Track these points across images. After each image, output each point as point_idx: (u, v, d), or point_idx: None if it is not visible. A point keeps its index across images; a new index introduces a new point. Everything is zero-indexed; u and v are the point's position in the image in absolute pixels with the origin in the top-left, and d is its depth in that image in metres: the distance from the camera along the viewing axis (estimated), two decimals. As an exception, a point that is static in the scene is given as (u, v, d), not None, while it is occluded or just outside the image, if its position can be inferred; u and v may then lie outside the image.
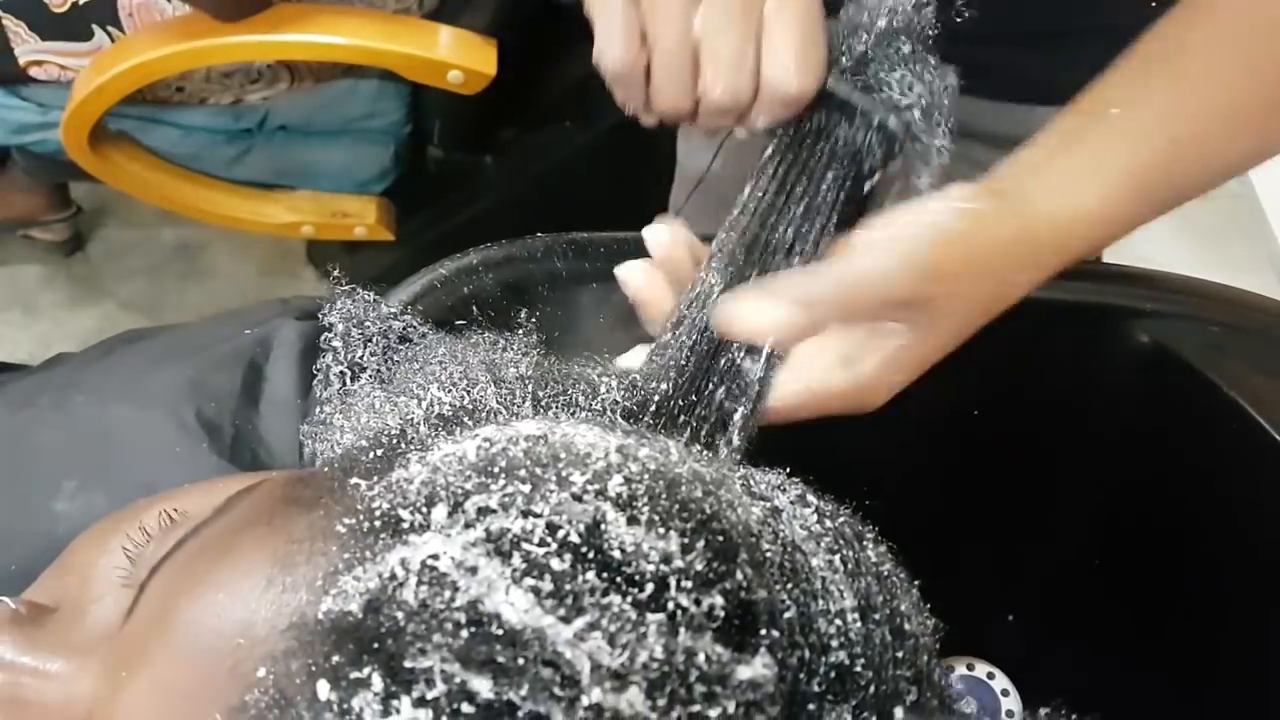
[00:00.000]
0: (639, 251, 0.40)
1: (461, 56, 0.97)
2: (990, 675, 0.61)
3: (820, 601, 0.24)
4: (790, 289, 0.35)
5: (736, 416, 0.34)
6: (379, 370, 0.38)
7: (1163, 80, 0.39)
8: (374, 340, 0.39)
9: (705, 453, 0.30)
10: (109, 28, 1.08)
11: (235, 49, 1.00)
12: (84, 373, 0.48)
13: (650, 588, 0.21)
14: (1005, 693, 0.60)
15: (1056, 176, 0.39)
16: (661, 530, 0.22)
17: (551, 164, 1.23)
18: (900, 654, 0.25)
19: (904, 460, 0.52)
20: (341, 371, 0.39)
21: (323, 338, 0.40)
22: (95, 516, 0.33)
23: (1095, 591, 0.55)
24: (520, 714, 0.19)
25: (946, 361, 0.38)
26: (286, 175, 1.19)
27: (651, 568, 0.21)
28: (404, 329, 0.40)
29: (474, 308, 0.42)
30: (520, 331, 0.37)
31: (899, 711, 0.24)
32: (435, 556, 0.21)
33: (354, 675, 0.20)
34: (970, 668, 0.61)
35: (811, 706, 0.23)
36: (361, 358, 0.39)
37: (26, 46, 1.10)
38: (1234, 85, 0.39)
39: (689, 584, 0.21)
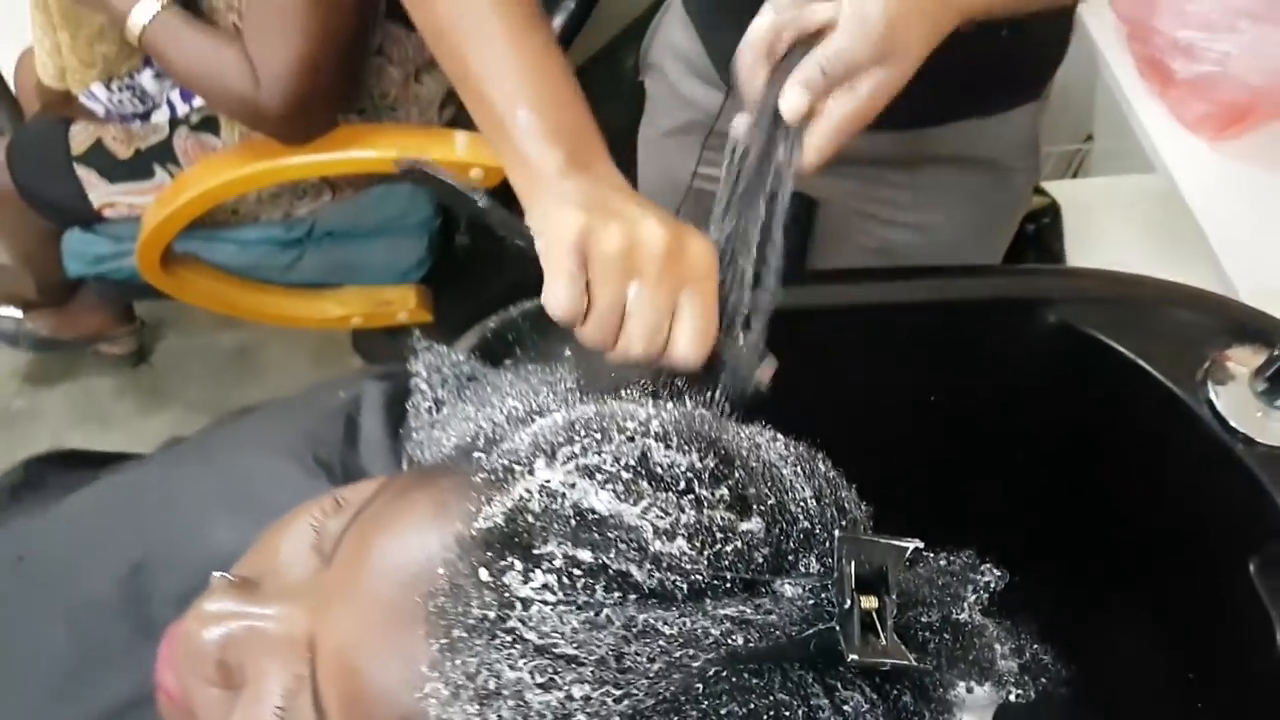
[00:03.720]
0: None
1: (479, 156, 1.12)
2: (982, 625, 0.71)
3: (789, 494, 0.35)
4: (797, 77, 0.51)
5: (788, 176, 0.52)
6: (455, 404, 0.51)
7: None
8: (449, 381, 0.51)
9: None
10: (168, 166, 1.25)
11: (284, 171, 1.15)
12: (213, 437, 0.60)
13: (683, 483, 0.33)
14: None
15: None
16: (687, 450, 0.34)
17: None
18: (844, 524, 0.36)
19: (868, 436, 0.63)
20: (428, 406, 0.51)
21: (411, 381, 0.53)
22: (246, 541, 0.43)
23: (1054, 537, 0.65)
24: (610, 570, 0.31)
25: (902, 352, 0.51)
26: (335, 274, 1.33)
27: (682, 472, 0.33)
28: (470, 370, 0.52)
29: (517, 350, 0.54)
30: (563, 358, 0.50)
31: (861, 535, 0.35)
32: (548, 481, 0.33)
33: (502, 563, 0.32)
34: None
35: (790, 556, 0.34)
36: (440, 395, 0.51)
37: (99, 191, 1.26)
38: None
39: (706, 480, 0.33)
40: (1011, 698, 0.36)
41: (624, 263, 0.49)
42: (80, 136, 1.25)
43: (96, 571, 0.50)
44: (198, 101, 1.22)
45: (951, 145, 0.78)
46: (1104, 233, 1.09)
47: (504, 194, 0.57)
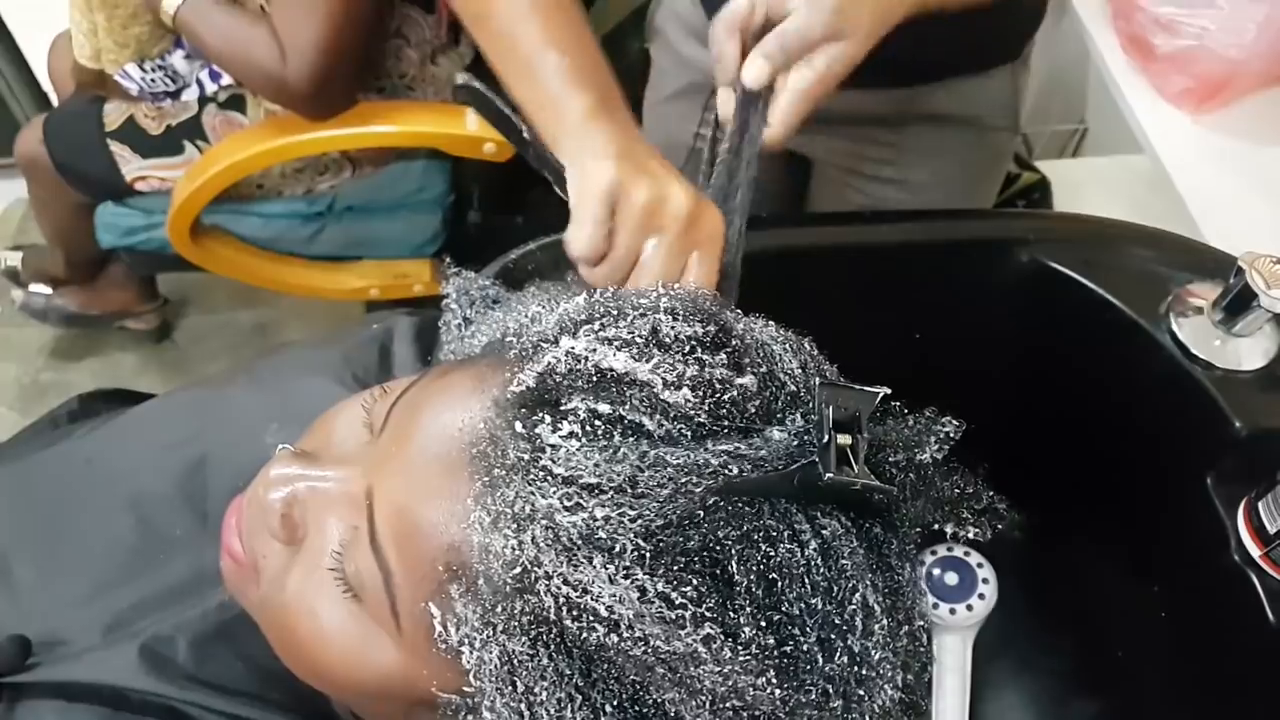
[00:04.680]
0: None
1: (489, 132, 1.17)
2: (966, 553, 0.76)
3: (778, 364, 0.41)
4: (759, 50, 0.58)
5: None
6: (481, 321, 0.56)
7: None
8: (476, 302, 0.57)
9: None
10: (197, 142, 1.30)
11: (306, 145, 1.20)
12: (256, 364, 0.66)
13: (688, 347, 0.38)
14: (980, 564, 0.75)
15: None
16: (690, 321, 0.39)
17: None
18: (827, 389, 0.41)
19: (850, 374, 0.68)
20: (458, 324, 0.56)
21: (443, 302, 0.58)
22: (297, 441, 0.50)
23: (1029, 468, 0.70)
24: (627, 421, 0.37)
25: (885, 292, 0.56)
26: (354, 248, 1.39)
27: (687, 338, 0.38)
28: (495, 294, 0.57)
29: (536, 279, 0.60)
30: (571, 279, 0.55)
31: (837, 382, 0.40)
32: (574, 348, 0.38)
33: (534, 417, 0.37)
34: (950, 549, 0.76)
35: (778, 414, 0.39)
36: (469, 314, 0.56)
37: (131, 165, 1.32)
38: None
39: (707, 346, 0.38)
40: (970, 534, 0.41)
41: (648, 218, 0.53)
42: (114, 114, 1.31)
43: (159, 470, 0.56)
44: (225, 80, 1.28)
45: (936, 104, 0.83)
46: (1091, 209, 1.14)
47: (512, 175, 0.61)
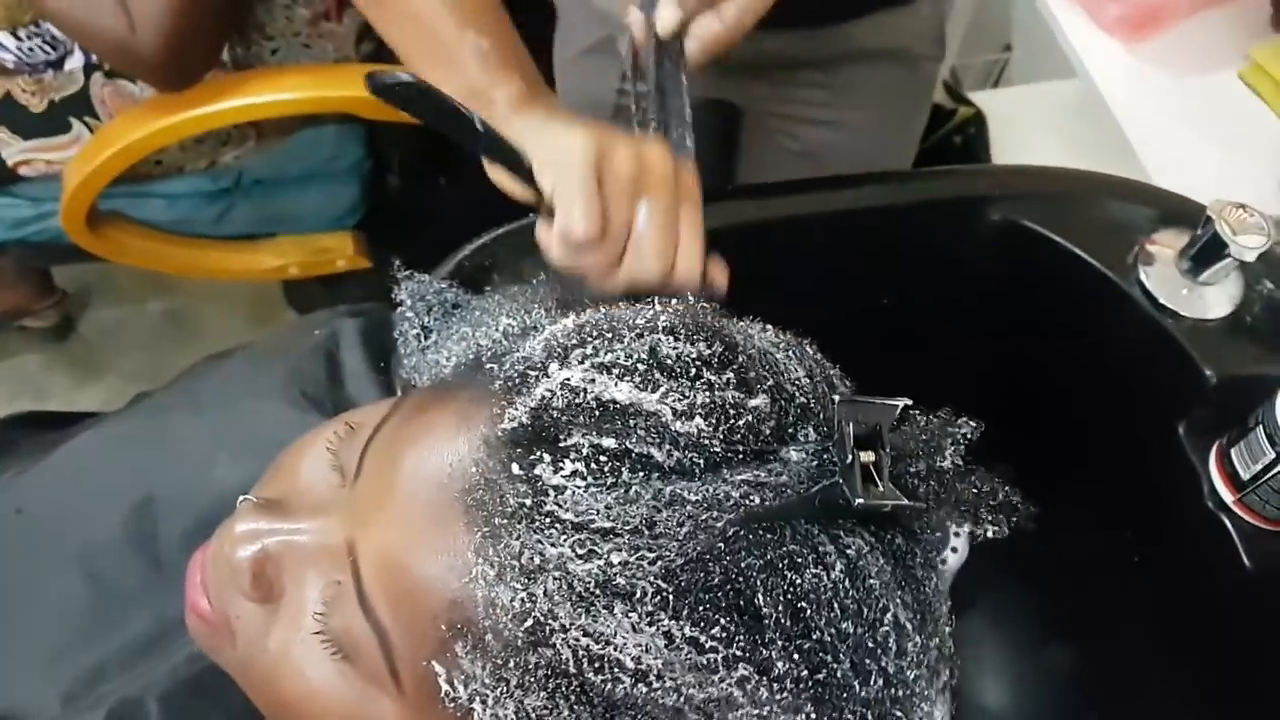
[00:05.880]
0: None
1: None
2: (939, 508, 0.76)
3: (785, 376, 0.38)
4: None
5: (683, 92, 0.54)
6: (444, 330, 0.52)
7: None
8: (434, 309, 0.53)
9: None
10: (85, 118, 1.20)
11: (208, 118, 1.11)
12: (196, 384, 0.61)
13: (693, 370, 0.35)
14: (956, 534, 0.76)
15: None
16: (693, 339, 0.36)
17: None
18: (835, 396, 0.39)
19: (850, 352, 0.66)
20: (416, 334, 0.52)
21: (394, 312, 0.54)
22: (253, 477, 0.44)
23: (1003, 420, 0.70)
24: (634, 453, 0.34)
25: (864, 265, 0.54)
26: (268, 224, 1.30)
27: (691, 360, 0.35)
28: (455, 298, 0.53)
29: (494, 275, 0.56)
30: (539, 280, 0.51)
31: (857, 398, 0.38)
32: (569, 379, 0.35)
33: (531, 457, 0.34)
34: (923, 506, 0.76)
35: (790, 429, 0.37)
36: (427, 323, 0.52)
37: (12, 148, 1.21)
38: None
39: (713, 366, 0.36)
40: (990, 534, 0.40)
41: (636, 184, 0.48)
42: (-14, 92, 1.19)
43: (101, 515, 0.51)
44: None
45: (863, 40, 0.81)
46: (1028, 139, 1.14)
47: (433, 135, 0.55)
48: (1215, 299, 0.60)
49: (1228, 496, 0.58)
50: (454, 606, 0.35)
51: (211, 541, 0.41)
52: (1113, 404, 0.64)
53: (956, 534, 0.77)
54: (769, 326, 0.41)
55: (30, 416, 0.73)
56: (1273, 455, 0.53)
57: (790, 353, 0.40)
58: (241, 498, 0.41)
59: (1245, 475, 0.56)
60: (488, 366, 0.40)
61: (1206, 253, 0.59)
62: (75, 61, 1.19)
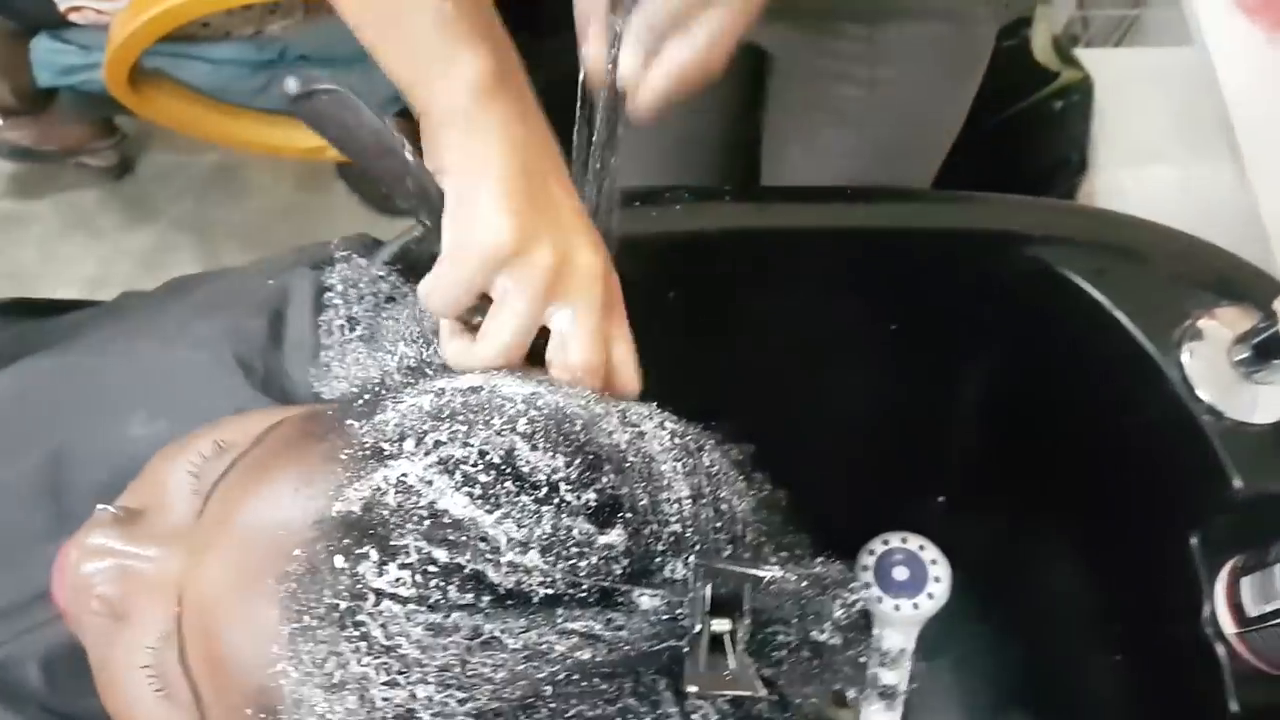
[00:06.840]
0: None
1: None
2: (921, 548, 0.70)
3: (665, 493, 0.33)
4: (629, 39, 0.47)
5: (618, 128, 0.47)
6: (372, 322, 0.48)
7: None
8: (365, 299, 0.48)
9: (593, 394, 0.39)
10: (137, -32, 1.15)
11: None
12: (144, 319, 0.58)
13: (545, 490, 0.31)
14: (934, 562, 0.70)
15: None
16: (553, 453, 0.31)
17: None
18: (719, 524, 0.34)
19: (847, 378, 0.60)
20: (341, 325, 0.48)
21: (325, 296, 0.50)
22: (164, 439, 0.43)
23: (1004, 473, 0.64)
24: (465, 571, 0.30)
25: (872, 289, 0.47)
26: (310, 103, 1.26)
27: (545, 477, 0.31)
28: (391, 289, 0.49)
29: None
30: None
31: (717, 562, 0.33)
32: (405, 475, 0.31)
33: (358, 551, 0.30)
34: (904, 541, 0.71)
35: (656, 560, 0.33)
36: (356, 313, 0.48)
37: (63, -9, 1.18)
38: None
39: (570, 486, 0.31)
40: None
41: (551, 285, 0.39)
42: (40, -69, 1.16)
43: (12, 459, 0.50)
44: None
45: None
46: (1131, 114, 1.01)
47: None
48: (1267, 401, 0.51)
49: (1229, 628, 0.51)
50: (263, 694, 0.33)
51: (69, 547, 0.40)
52: (1127, 487, 0.57)
53: (937, 579, 0.72)
54: (669, 423, 0.36)
55: (12, 304, 0.73)
56: (1285, 603, 0.47)
57: (682, 464, 0.34)
58: (100, 506, 0.39)
59: (1252, 612, 0.50)
60: (359, 409, 0.36)
61: (1268, 346, 0.50)
62: (126, -93, 1.14)
